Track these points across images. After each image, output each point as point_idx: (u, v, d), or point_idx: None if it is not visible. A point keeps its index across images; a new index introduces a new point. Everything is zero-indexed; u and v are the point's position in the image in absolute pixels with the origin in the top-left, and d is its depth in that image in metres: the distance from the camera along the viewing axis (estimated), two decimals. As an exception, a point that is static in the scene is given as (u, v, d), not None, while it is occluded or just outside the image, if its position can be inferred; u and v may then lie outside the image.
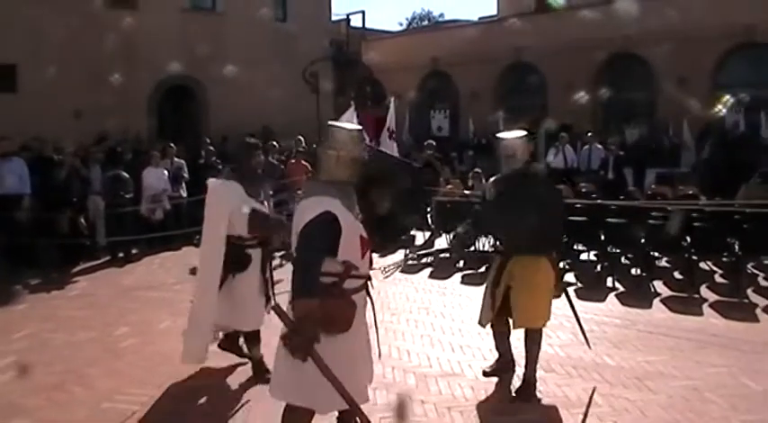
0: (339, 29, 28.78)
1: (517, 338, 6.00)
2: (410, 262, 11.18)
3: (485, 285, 5.97)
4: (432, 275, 10.26)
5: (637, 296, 8.61)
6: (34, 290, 9.68)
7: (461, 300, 8.69)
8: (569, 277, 9.47)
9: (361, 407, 3.62)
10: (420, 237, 13.06)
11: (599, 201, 10.78)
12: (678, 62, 20.66)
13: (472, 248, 10.64)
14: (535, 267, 5.49)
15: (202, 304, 5.79)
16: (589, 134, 17.04)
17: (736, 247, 8.81)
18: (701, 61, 20.79)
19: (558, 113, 21.56)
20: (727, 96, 20.25)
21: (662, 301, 8.43)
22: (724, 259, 9.57)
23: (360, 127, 4.00)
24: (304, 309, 3.39)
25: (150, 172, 12.67)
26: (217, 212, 5.74)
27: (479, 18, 33.43)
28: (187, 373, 6.01)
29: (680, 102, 19.04)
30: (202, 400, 5.56)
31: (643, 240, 9.31)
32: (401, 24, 53.59)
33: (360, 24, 30.43)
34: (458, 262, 10.83)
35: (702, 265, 9.74)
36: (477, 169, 13.54)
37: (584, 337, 6.03)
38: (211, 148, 14.95)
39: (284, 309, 3.63)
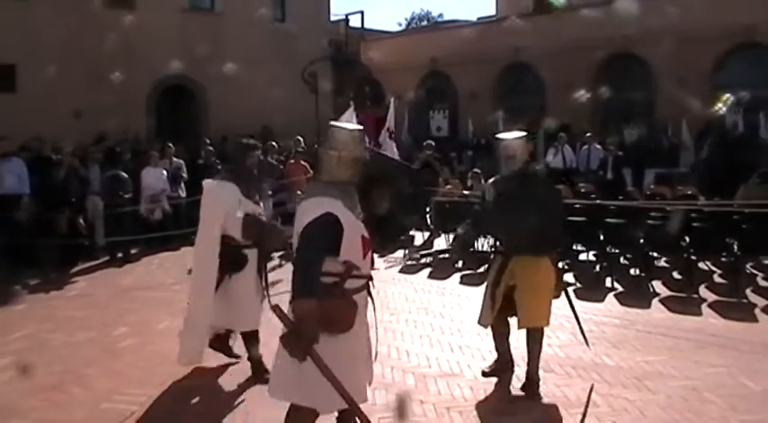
0: (338, 29, 28.77)
1: (516, 339, 6.01)
2: (409, 262, 11.19)
3: (485, 285, 5.98)
4: (431, 276, 10.26)
5: (636, 296, 8.61)
6: (33, 290, 9.68)
7: (460, 300, 8.69)
8: (568, 277, 9.47)
9: (361, 407, 3.62)
10: (419, 237, 13.06)
11: (598, 201, 10.78)
12: (677, 62, 20.65)
13: (473, 249, 10.63)
14: (536, 267, 5.52)
15: (198, 305, 5.80)
16: (588, 134, 17.04)
17: (735, 247, 8.81)
18: (700, 61, 20.78)
19: (557, 113, 21.55)
20: (727, 95, 20.25)
21: (661, 301, 8.43)
22: (723, 259, 9.57)
23: (361, 127, 4.00)
24: (303, 309, 3.39)
25: (149, 172, 12.66)
26: (212, 213, 5.76)
27: (478, 18, 33.42)
28: (186, 373, 6.01)
29: (679, 102, 19.02)
30: (201, 400, 5.56)
31: (642, 240, 9.32)
32: (400, 24, 53.59)
33: (359, 24, 30.42)
34: (457, 262, 10.83)
35: (701, 265, 9.74)
36: (476, 169, 13.54)
37: (584, 336, 6.03)
38: (210, 148, 14.94)
39: (284, 309, 3.63)
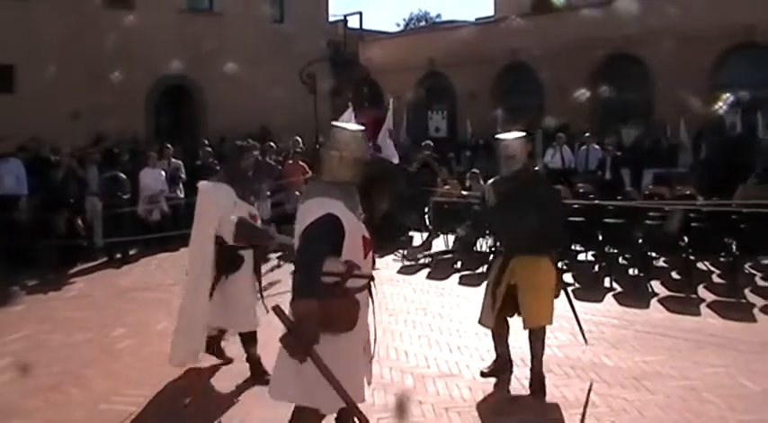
0: (336, 30, 28.77)
1: (514, 339, 6.01)
2: (408, 263, 11.18)
3: (485, 285, 5.99)
4: (429, 276, 10.26)
5: (634, 296, 8.61)
6: (31, 291, 9.68)
7: (459, 300, 8.69)
8: (567, 277, 9.46)
9: (359, 407, 3.62)
10: (418, 237, 13.06)
11: (596, 201, 10.78)
12: (676, 62, 20.64)
13: (474, 249, 10.65)
14: (536, 267, 5.56)
15: (194, 306, 5.80)
16: (586, 135, 17.06)
17: (734, 247, 8.82)
18: (699, 61, 20.76)
19: (556, 114, 21.54)
20: (727, 94, 20.26)
21: (659, 301, 8.44)
22: (721, 259, 9.57)
23: (363, 127, 3.99)
24: (303, 309, 3.39)
25: (147, 173, 12.66)
26: (207, 215, 5.77)
27: (476, 19, 33.41)
28: (184, 373, 6.00)
29: (677, 102, 19.02)
30: (199, 401, 5.55)
31: (640, 240, 9.32)
32: (398, 25, 53.57)
33: (357, 25, 30.42)
34: (456, 263, 10.83)
35: (700, 265, 9.73)
36: (474, 170, 13.55)
37: (582, 333, 6.05)
38: (209, 149, 14.93)
39: (284, 309, 3.62)
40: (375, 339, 4.02)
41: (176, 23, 20.89)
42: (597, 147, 16.10)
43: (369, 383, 3.99)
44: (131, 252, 11.97)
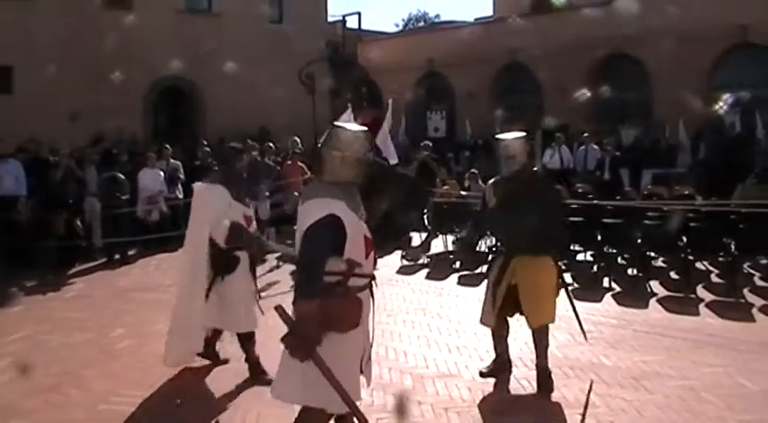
0: (335, 30, 28.80)
1: (514, 339, 6.02)
2: (407, 263, 11.18)
3: (486, 284, 6.00)
4: (428, 276, 10.26)
5: (633, 296, 8.61)
6: (30, 291, 9.67)
7: (458, 301, 8.69)
8: (566, 277, 9.47)
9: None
10: (416, 238, 13.05)
11: (595, 201, 10.79)
12: (674, 62, 20.65)
13: (477, 250, 10.66)
14: (537, 267, 5.59)
15: (190, 307, 5.80)
16: (585, 135, 17.06)
17: (733, 246, 8.84)
18: (698, 61, 20.77)
19: (554, 114, 21.55)
20: (727, 95, 20.28)
21: (658, 301, 8.44)
22: (720, 259, 9.57)
23: (365, 128, 3.99)
24: (304, 310, 3.40)
25: (146, 173, 12.65)
26: (202, 216, 5.79)
27: (475, 19, 33.42)
28: (183, 374, 6.01)
29: (676, 102, 19.04)
30: (198, 402, 5.54)
31: (639, 240, 9.33)
32: (397, 25, 53.52)
33: (356, 25, 30.49)
34: (454, 263, 10.84)
35: (699, 265, 9.73)
36: (473, 170, 13.55)
37: (582, 330, 6.07)
38: (207, 149, 14.92)
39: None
40: (372, 338, 4.03)
41: (175, 24, 20.90)
42: (596, 147, 16.10)
43: (368, 384, 3.99)
44: (130, 252, 11.96)
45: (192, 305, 5.79)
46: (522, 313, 5.76)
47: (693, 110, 18.66)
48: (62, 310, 8.49)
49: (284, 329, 3.50)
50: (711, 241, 9.10)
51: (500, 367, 5.94)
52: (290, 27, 23.57)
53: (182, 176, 13.49)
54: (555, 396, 5.50)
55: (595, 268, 9.97)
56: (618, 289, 9.04)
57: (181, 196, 13.17)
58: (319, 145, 3.81)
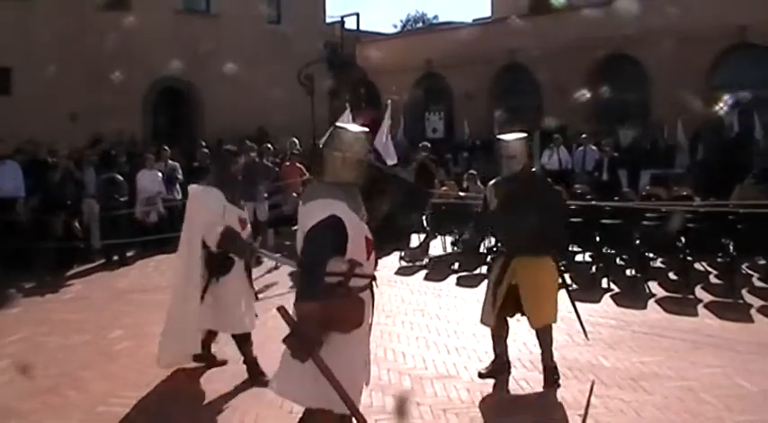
0: (333, 31, 28.77)
1: (512, 341, 6.02)
2: (405, 264, 11.18)
3: (486, 285, 6.01)
4: (427, 277, 10.26)
5: (632, 297, 8.62)
6: (28, 293, 9.66)
7: (456, 302, 8.69)
8: (566, 278, 9.47)
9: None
10: (415, 239, 13.04)
11: (593, 202, 10.79)
12: (673, 63, 20.64)
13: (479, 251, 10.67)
14: (538, 267, 5.63)
15: (185, 309, 5.80)
16: (583, 136, 17.07)
17: (731, 247, 8.84)
18: (697, 62, 20.77)
19: (554, 114, 21.55)
20: (727, 96, 20.28)
21: (657, 301, 8.44)
22: (718, 260, 9.56)
23: (366, 129, 3.99)
24: (305, 311, 3.40)
25: (144, 174, 12.65)
26: (196, 218, 5.80)
27: (474, 20, 33.42)
28: (181, 376, 6.00)
29: (675, 102, 19.04)
30: (196, 403, 5.54)
31: (638, 241, 9.33)
32: (395, 26, 53.46)
33: (354, 26, 30.47)
34: (453, 264, 10.84)
35: (697, 265, 9.73)
36: (472, 171, 13.55)
37: (583, 329, 6.08)
38: (206, 150, 14.92)
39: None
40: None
41: (173, 24, 20.90)
42: (594, 148, 16.12)
43: (366, 385, 3.99)
44: (129, 254, 11.95)
45: (186, 307, 5.80)
46: (522, 313, 5.77)
47: (692, 110, 18.65)
48: (60, 312, 8.49)
49: (283, 330, 3.50)
50: (710, 242, 9.10)
51: (499, 368, 5.94)
52: (289, 28, 23.58)
53: (180, 177, 13.49)
54: (554, 397, 5.50)
55: (594, 269, 9.97)
56: (616, 290, 9.04)
57: (179, 197, 13.16)
58: (321, 145, 3.80)
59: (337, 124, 4.18)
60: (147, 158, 12.96)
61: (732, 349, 6.58)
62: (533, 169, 6.06)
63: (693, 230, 9.18)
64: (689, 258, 9.22)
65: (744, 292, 8.75)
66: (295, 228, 3.82)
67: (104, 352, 6.80)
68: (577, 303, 6.19)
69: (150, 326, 7.56)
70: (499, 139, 5.90)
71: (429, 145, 15.51)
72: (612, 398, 5.42)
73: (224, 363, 6.22)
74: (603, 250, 9.85)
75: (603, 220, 9.85)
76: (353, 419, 3.60)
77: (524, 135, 5.86)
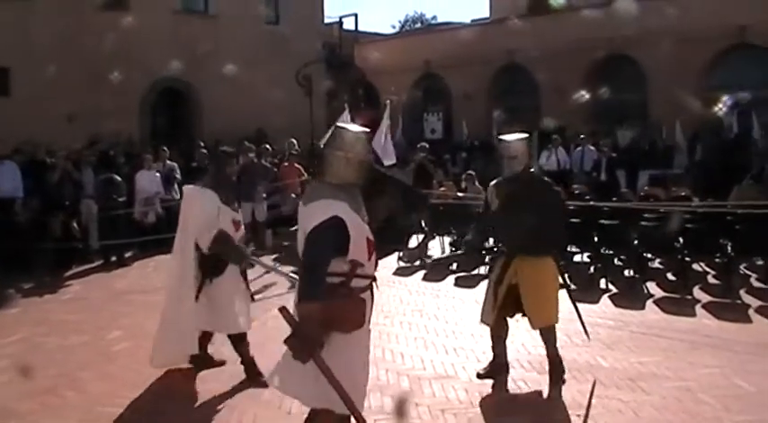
0: (332, 31, 28.76)
1: (511, 341, 6.02)
2: (403, 265, 11.18)
3: (487, 284, 6.02)
4: (425, 278, 10.26)
5: (630, 297, 8.62)
6: (27, 293, 9.66)
7: (455, 302, 8.68)
8: (566, 278, 9.47)
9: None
10: (413, 239, 13.03)
11: (592, 203, 10.80)
12: (672, 63, 20.65)
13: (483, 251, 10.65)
14: (538, 267, 5.64)
15: (180, 310, 5.81)
16: (582, 136, 17.07)
17: (729, 248, 8.84)
18: (695, 62, 20.78)
19: (552, 115, 21.54)
20: (726, 96, 20.30)
21: (655, 302, 8.45)
22: (717, 260, 9.56)
23: (368, 129, 3.99)
24: (306, 311, 3.41)
25: (143, 175, 12.65)
26: (191, 219, 5.81)
27: (472, 20, 33.42)
28: (179, 376, 6.00)
29: (673, 103, 19.05)
30: (194, 403, 5.55)
31: (636, 242, 9.33)
32: (394, 27, 53.40)
33: (352, 27, 30.47)
34: (451, 264, 10.84)
35: (695, 266, 9.74)
36: (470, 171, 13.54)
37: (585, 330, 6.10)
38: (204, 151, 14.92)
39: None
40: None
41: (171, 25, 20.87)
42: (592, 148, 16.13)
43: (365, 385, 3.99)
44: (127, 254, 11.94)
45: (180, 308, 5.81)
46: (522, 314, 5.78)
47: (691, 111, 18.67)
48: (59, 312, 8.49)
49: (283, 331, 3.50)
50: (708, 242, 9.11)
51: (497, 369, 5.94)
52: (287, 28, 23.55)
53: (178, 177, 13.48)
54: (552, 397, 5.51)
55: (592, 270, 9.97)
56: (614, 290, 9.05)
57: (178, 198, 13.15)
58: (322, 146, 3.81)
59: (338, 124, 4.18)
60: (146, 159, 12.96)
61: (730, 349, 6.58)
62: (532, 170, 6.06)
63: (692, 231, 9.19)
64: (687, 259, 9.22)
65: (742, 292, 8.75)
66: (294, 228, 3.82)
67: (103, 352, 6.81)
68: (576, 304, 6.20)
69: (149, 326, 7.53)
70: (501, 140, 5.91)
71: (427, 145, 15.52)
72: (611, 398, 5.42)
73: (222, 363, 6.22)
74: (602, 251, 9.86)
75: (602, 221, 9.86)
76: (353, 420, 3.61)
77: (526, 135, 5.88)
